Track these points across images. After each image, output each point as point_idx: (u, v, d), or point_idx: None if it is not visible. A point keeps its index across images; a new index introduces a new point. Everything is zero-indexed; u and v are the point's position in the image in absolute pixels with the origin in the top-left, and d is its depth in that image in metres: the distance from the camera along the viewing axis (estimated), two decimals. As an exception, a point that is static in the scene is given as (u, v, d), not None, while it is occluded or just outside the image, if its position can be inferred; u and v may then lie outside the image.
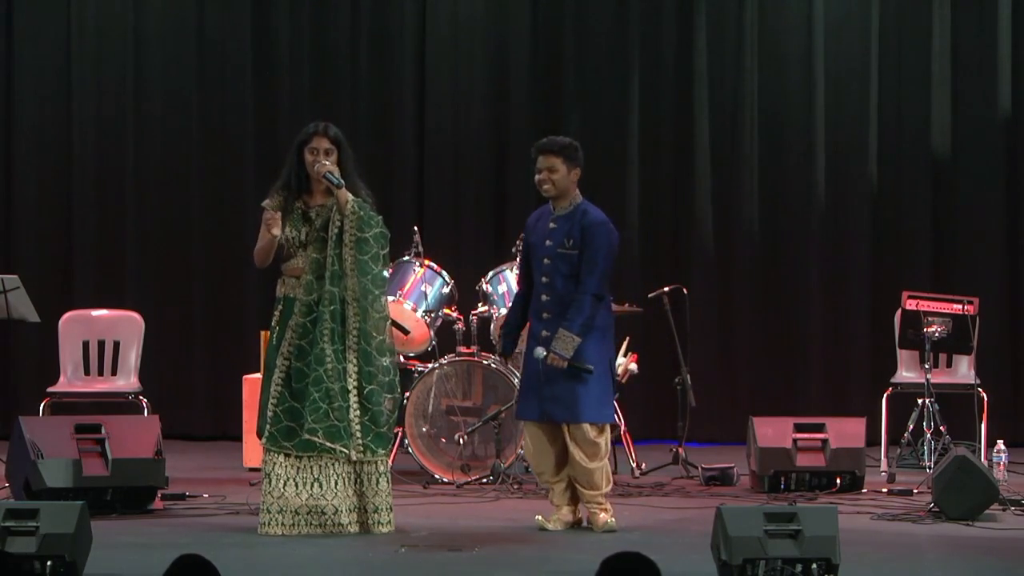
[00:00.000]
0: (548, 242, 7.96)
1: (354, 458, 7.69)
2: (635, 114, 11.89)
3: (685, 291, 10.16)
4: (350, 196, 7.71)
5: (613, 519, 7.94)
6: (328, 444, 7.63)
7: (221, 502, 8.68)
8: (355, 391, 7.70)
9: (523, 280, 8.22)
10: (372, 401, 7.71)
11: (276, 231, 7.69)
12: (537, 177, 8.00)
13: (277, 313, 7.80)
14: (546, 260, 7.95)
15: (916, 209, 11.86)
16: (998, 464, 9.30)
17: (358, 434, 7.69)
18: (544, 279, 7.95)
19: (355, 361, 7.71)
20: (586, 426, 7.88)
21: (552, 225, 7.99)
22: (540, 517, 8.03)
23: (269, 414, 7.72)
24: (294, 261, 7.79)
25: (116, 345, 10.43)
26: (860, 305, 11.80)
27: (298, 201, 7.81)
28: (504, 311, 9.76)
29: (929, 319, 9.82)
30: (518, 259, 9.85)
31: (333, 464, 7.70)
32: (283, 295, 7.81)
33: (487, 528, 8.07)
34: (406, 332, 9.55)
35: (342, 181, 7.71)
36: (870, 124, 11.85)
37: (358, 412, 7.70)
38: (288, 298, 7.79)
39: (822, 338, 11.82)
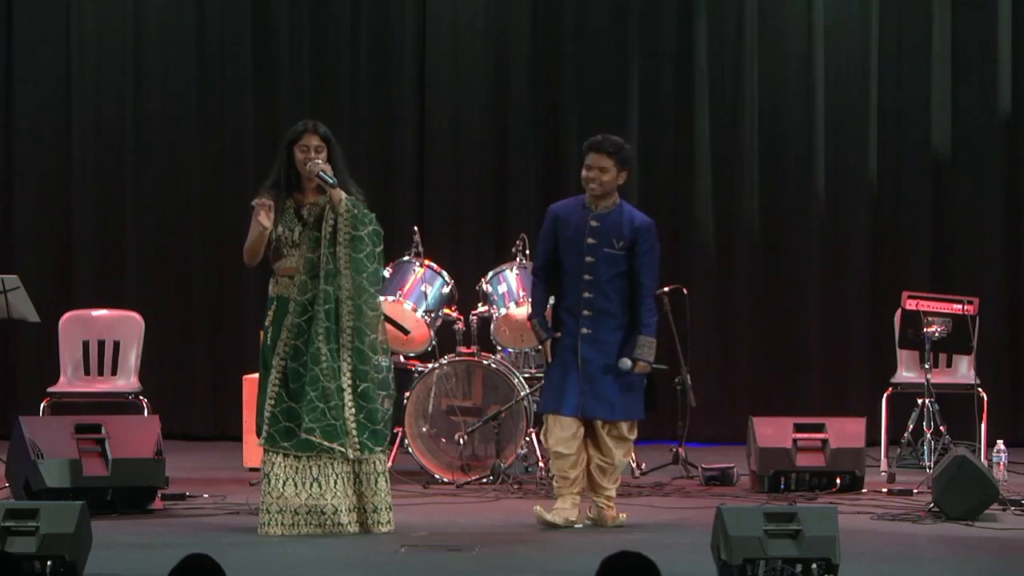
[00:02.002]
0: (591, 240, 7.96)
1: (351, 456, 7.69)
2: (635, 114, 11.88)
3: (685, 291, 10.15)
4: (343, 194, 7.71)
5: (623, 516, 8.07)
6: (326, 443, 7.63)
7: (221, 502, 8.69)
8: (350, 389, 7.70)
9: (545, 269, 8.13)
10: (367, 399, 7.72)
11: (265, 221, 7.65)
12: (586, 174, 8.00)
13: (271, 313, 7.78)
14: (589, 258, 7.96)
15: (916, 209, 11.86)
16: (998, 464, 9.30)
17: (354, 432, 7.69)
18: (587, 277, 7.96)
19: (349, 359, 7.71)
20: (623, 424, 8.02)
21: (593, 223, 7.99)
22: (539, 507, 8.04)
23: (267, 415, 7.71)
24: (287, 260, 7.78)
25: (116, 345, 10.43)
26: (860, 305, 11.80)
27: (289, 200, 7.80)
28: (505, 311, 9.77)
29: (929, 319, 9.81)
30: (519, 259, 9.91)
31: (332, 464, 7.70)
32: (276, 295, 7.80)
33: (487, 528, 8.07)
34: (406, 332, 9.54)
35: (336, 180, 7.71)
36: (870, 124, 11.85)
37: (353, 410, 7.70)
38: (282, 297, 7.78)
39: (822, 338, 11.81)
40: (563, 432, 7.98)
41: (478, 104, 12.01)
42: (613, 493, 8.11)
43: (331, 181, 7.69)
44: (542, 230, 8.18)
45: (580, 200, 8.11)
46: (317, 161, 7.73)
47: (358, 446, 7.70)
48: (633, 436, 8.14)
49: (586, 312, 7.96)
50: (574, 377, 7.95)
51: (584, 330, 7.96)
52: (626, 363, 7.97)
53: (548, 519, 7.98)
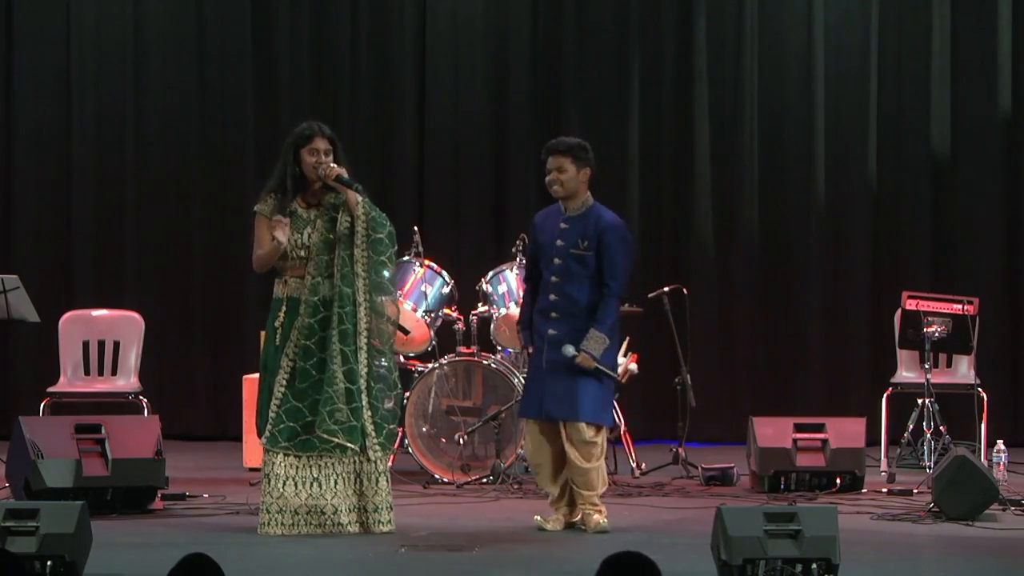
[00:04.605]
0: (559, 242, 7.95)
1: (372, 457, 7.71)
2: (635, 114, 11.89)
3: (685, 291, 10.16)
4: (359, 196, 7.71)
5: (606, 520, 7.93)
6: (350, 445, 7.62)
7: (221, 502, 8.69)
8: (366, 391, 7.70)
9: (530, 278, 8.18)
10: (379, 400, 7.74)
11: (282, 237, 7.65)
12: (547, 178, 8.00)
13: (281, 314, 7.74)
14: (556, 260, 7.94)
15: (916, 209, 11.87)
16: (998, 464, 9.29)
17: (372, 433, 7.70)
18: (554, 279, 7.94)
19: (365, 361, 7.71)
20: (582, 425, 7.86)
21: (563, 225, 7.97)
22: (539, 517, 8.03)
23: (271, 415, 7.70)
24: (296, 262, 7.76)
25: (116, 345, 10.43)
26: (860, 305, 11.80)
27: (293, 203, 7.79)
28: (505, 311, 9.78)
29: (929, 319, 9.82)
30: (519, 259, 9.91)
31: (333, 464, 7.70)
32: (286, 295, 7.77)
33: (487, 528, 8.07)
34: (406, 332, 9.54)
35: (358, 183, 7.71)
36: (870, 124, 11.86)
37: (369, 412, 7.71)
38: (292, 298, 7.75)
39: (822, 338, 11.82)
40: (533, 439, 7.98)
41: (478, 104, 12.01)
42: (596, 498, 7.95)
43: (355, 186, 7.69)
44: (529, 239, 8.26)
45: (558, 206, 8.11)
46: (332, 164, 7.73)
47: (377, 447, 7.72)
48: (598, 440, 7.90)
49: (553, 315, 7.93)
50: (539, 378, 7.94)
51: (550, 331, 7.92)
52: (569, 350, 7.81)
53: (548, 528, 7.97)
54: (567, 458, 7.90)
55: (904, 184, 11.91)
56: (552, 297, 7.94)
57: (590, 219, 7.96)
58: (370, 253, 7.70)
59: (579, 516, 8.03)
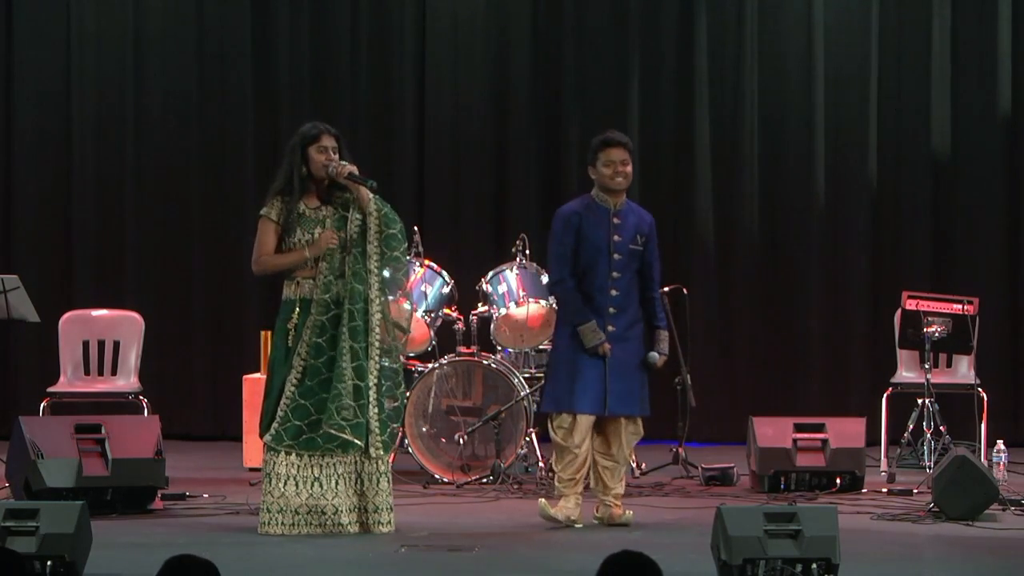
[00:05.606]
0: (617, 237, 8.02)
1: (373, 455, 7.70)
2: (635, 114, 11.89)
3: (685, 291, 10.15)
4: (370, 193, 7.71)
5: (631, 512, 8.12)
6: (355, 440, 7.61)
7: (221, 502, 8.69)
8: (375, 389, 7.70)
9: (574, 274, 8.04)
10: (385, 398, 7.74)
11: (321, 250, 7.68)
12: (608, 170, 8.02)
13: (294, 316, 7.71)
14: (617, 256, 8.01)
15: (916, 209, 11.87)
16: (998, 464, 9.30)
17: (376, 430, 7.70)
18: (615, 275, 8.02)
19: (376, 358, 7.71)
20: (639, 419, 8.11)
21: (616, 220, 8.05)
22: (544, 501, 8.06)
23: (279, 414, 7.67)
24: (309, 263, 7.74)
25: (116, 345, 10.43)
26: (860, 305, 11.80)
27: (300, 203, 7.78)
28: (505, 311, 9.77)
29: (929, 319, 9.82)
30: (519, 259, 9.90)
31: (334, 464, 7.70)
32: (298, 296, 7.73)
33: (487, 528, 8.07)
34: (406, 332, 9.53)
35: (372, 181, 7.72)
36: (870, 124, 11.85)
37: (376, 410, 7.71)
38: (304, 299, 7.72)
39: (822, 338, 11.82)
40: (583, 432, 8.02)
41: (478, 104, 12.01)
42: (621, 491, 8.16)
43: (368, 183, 7.70)
44: (561, 231, 8.04)
45: (587, 200, 8.13)
46: (343, 163, 7.73)
47: (380, 445, 7.72)
48: (642, 432, 8.23)
49: (612, 310, 8.02)
50: (599, 375, 7.98)
51: (611, 327, 8.01)
52: (655, 356, 8.10)
53: (551, 514, 7.99)
54: (612, 451, 8.09)
55: (904, 184, 11.91)
56: (613, 293, 8.03)
57: (635, 214, 8.15)
58: (383, 249, 7.71)
59: (581, 514, 8.05)
